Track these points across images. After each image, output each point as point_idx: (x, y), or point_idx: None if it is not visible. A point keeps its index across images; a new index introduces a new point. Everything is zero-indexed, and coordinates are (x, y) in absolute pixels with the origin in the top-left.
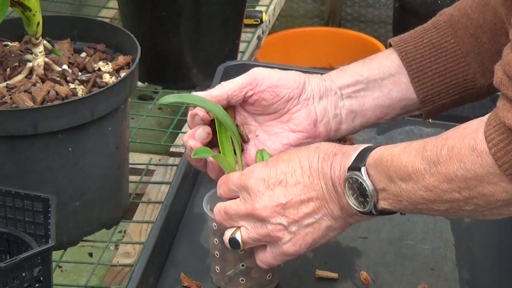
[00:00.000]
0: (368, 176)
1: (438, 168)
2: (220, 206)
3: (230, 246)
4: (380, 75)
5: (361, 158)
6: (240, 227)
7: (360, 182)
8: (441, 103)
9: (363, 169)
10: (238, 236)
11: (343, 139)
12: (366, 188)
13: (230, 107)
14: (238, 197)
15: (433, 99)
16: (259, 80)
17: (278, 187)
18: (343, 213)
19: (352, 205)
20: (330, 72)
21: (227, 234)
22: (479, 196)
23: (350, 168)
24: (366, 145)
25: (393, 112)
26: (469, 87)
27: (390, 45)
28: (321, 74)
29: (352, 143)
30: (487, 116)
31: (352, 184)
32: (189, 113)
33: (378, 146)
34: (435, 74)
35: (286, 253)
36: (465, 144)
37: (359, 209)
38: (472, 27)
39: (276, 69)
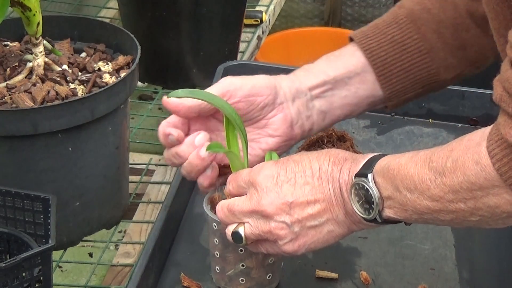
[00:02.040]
0: (375, 183)
1: (444, 180)
2: (223, 203)
3: (232, 240)
4: (347, 74)
5: (369, 165)
6: (243, 223)
7: (366, 188)
8: (406, 97)
9: (369, 175)
10: (241, 231)
11: (343, 139)
12: (372, 195)
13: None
14: (246, 194)
15: (398, 94)
16: (232, 91)
17: (286, 185)
18: (348, 219)
19: (357, 211)
20: (296, 72)
21: (230, 228)
22: (484, 207)
23: (357, 175)
24: (375, 154)
25: (360, 109)
26: (433, 81)
27: (351, 39)
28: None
29: (352, 143)
30: (489, 128)
31: (358, 190)
32: (161, 131)
33: (386, 155)
34: (400, 71)
35: (283, 251)
36: (468, 157)
37: (363, 216)
38: (434, 22)
39: (247, 77)
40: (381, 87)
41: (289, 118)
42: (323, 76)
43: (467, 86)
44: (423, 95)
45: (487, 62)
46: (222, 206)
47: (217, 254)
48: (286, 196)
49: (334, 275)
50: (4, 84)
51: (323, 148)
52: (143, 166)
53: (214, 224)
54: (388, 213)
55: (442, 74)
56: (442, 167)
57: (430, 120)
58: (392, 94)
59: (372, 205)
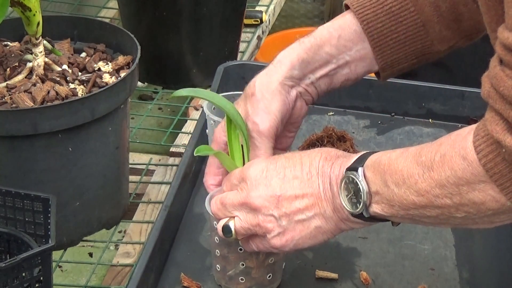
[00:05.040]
0: (365, 177)
1: (431, 174)
2: (216, 197)
3: (223, 234)
4: (348, 53)
5: (360, 160)
6: (234, 217)
7: (356, 182)
8: (399, 68)
9: (360, 169)
10: (231, 225)
11: (343, 139)
12: (361, 188)
13: None
14: None
15: (392, 64)
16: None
17: (275, 179)
18: (335, 214)
19: (344, 205)
20: (300, 54)
21: (221, 223)
22: (469, 203)
23: (348, 169)
24: (368, 151)
25: (355, 81)
26: (427, 52)
27: (346, 6)
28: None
29: (352, 143)
30: (476, 124)
31: (348, 184)
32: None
33: (379, 151)
34: (395, 43)
35: (272, 245)
36: (455, 152)
37: (350, 210)
38: None
39: (267, 112)
40: (376, 58)
41: (305, 107)
42: (327, 57)
43: (467, 86)
44: (416, 65)
45: (480, 35)
46: (216, 199)
47: (217, 252)
48: (274, 189)
49: (334, 275)
50: (4, 84)
51: None
52: (143, 166)
53: (215, 222)
54: (375, 209)
55: (436, 46)
56: (430, 161)
57: (430, 120)
58: (386, 65)
59: (360, 200)
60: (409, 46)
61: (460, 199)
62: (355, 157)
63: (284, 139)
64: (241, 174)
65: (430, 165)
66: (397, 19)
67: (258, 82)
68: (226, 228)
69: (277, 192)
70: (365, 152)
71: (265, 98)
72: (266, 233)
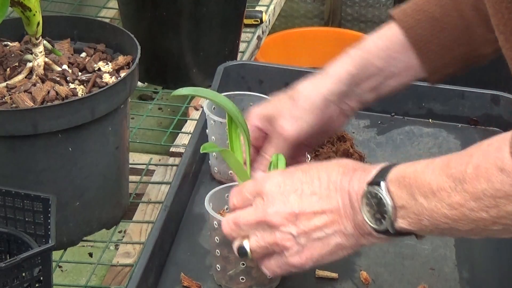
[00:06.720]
0: (388, 192)
1: (465, 186)
2: (228, 218)
3: (238, 255)
4: (395, 64)
5: (382, 173)
6: (248, 236)
7: (379, 197)
8: (447, 72)
9: (383, 184)
10: (246, 245)
11: (343, 139)
12: (385, 203)
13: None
14: (251, 206)
15: (439, 70)
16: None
17: (293, 195)
18: (356, 231)
19: (367, 221)
20: (349, 69)
21: (236, 243)
22: (507, 215)
23: (370, 183)
24: (387, 163)
25: (401, 90)
26: (473, 55)
27: (391, 17)
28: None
29: (352, 143)
30: (509, 134)
31: (370, 199)
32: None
33: (398, 164)
34: (439, 48)
35: (291, 264)
36: (490, 163)
37: (374, 227)
38: None
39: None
40: (422, 64)
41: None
42: (374, 70)
43: (467, 86)
44: (466, 70)
45: None
46: (228, 220)
47: (218, 252)
48: (292, 206)
49: (334, 274)
50: (4, 84)
51: (323, 148)
52: (143, 166)
53: (215, 222)
54: (401, 223)
55: (481, 49)
56: (462, 173)
57: (430, 120)
58: (433, 70)
59: (385, 215)
60: (454, 50)
61: (497, 212)
62: (373, 170)
63: (307, 147)
64: (255, 188)
65: (462, 177)
66: (440, 24)
67: (302, 89)
68: (241, 250)
69: (295, 209)
70: (384, 165)
71: (302, 107)
72: (284, 251)
